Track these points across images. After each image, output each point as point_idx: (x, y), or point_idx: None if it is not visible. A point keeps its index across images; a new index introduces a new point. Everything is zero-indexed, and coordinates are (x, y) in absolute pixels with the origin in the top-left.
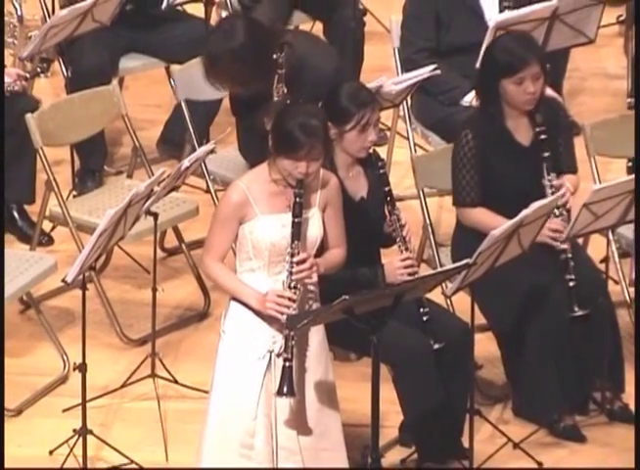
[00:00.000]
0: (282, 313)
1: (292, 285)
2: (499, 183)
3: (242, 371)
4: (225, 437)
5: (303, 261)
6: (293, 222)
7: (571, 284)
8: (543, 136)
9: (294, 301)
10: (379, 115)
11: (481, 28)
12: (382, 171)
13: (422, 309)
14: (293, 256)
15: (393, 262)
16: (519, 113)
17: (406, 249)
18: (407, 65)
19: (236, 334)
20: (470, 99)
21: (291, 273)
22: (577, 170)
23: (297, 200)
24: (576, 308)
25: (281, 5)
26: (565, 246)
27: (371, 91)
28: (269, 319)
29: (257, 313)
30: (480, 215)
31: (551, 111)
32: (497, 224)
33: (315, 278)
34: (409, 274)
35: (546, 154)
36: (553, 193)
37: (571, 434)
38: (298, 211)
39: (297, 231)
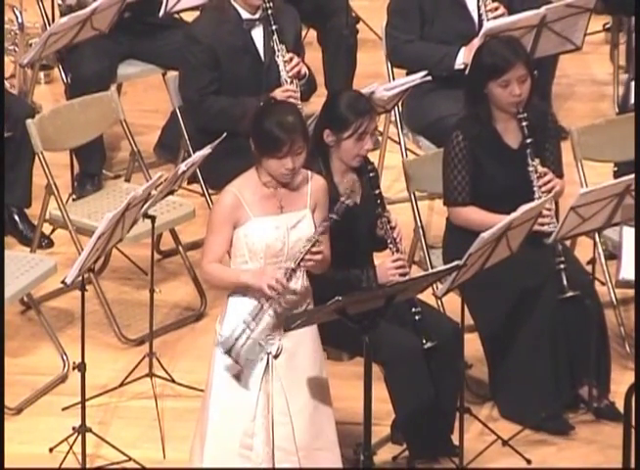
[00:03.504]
0: (274, 290)
1: (288, 274)
2: (489, 184)
3: (240, 373)
4: (225, 437)
5: (318, 253)
6: (329, 217)
7: (562, 266)
8: (525, 123)
9: (284, 287)
10: (376, 123)
11: (466, 19)
12: (372, 174)
13: (414, 309)
14: (313, 245)
15: (385, 263)
16: (508, 116)
17: (397, 250)
18: (393, 55)
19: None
20: (462, 61)
21: (302, 259)
22: (564, 175)
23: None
24: (567, 290)
25: None
26: (552, 229)
27: (370, 100)
28: (269, 322)
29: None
30: (472, 214)
31: (539, 116)
32: (488, 222)
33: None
34: (400, 275)
35: (529, 140)
36: (538, 178)
37: (559, 428)
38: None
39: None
